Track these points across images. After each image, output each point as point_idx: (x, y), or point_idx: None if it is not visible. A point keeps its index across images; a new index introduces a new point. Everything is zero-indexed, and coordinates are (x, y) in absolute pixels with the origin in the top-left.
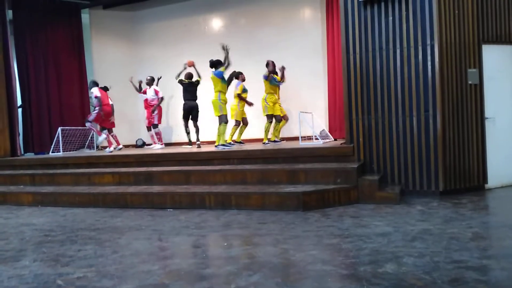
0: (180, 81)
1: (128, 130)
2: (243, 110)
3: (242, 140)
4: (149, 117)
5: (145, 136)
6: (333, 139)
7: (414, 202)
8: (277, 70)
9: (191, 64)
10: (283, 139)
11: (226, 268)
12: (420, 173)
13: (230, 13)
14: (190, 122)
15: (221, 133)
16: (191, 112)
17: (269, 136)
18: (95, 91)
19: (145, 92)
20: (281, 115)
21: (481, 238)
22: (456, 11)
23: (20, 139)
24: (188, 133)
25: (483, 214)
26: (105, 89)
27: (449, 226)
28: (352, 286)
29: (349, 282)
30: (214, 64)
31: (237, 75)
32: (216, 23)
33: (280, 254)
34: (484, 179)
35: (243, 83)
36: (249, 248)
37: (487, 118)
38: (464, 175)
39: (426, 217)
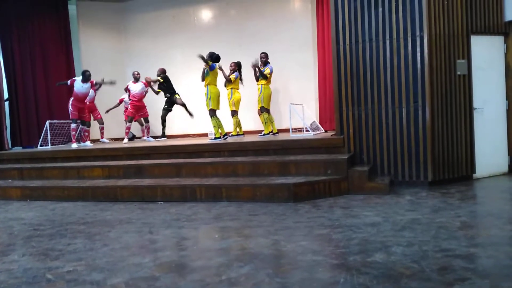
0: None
1: (118, 123)
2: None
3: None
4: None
5: (136, 129)
6: (323, 131)
7: (403, 192)
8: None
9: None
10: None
11: (217, 260)
12: (409, 163)
13: (220, 4)
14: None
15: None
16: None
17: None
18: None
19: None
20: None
21: (468, 227)
22: (445, 2)
23: (8, 133)
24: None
25: (470, 204)
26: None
27: (438, 216)
28: (342, 275)
29: (339, 271)
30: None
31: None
32: (206, 14)
33: (271, 245)
34: (472, 169)
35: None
36: (240, 240)
37: (476, 108)
38: (452, 165)
39: (415, 207)
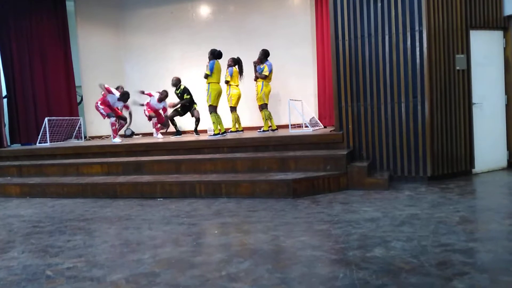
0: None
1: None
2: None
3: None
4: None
5: (134, 127)
6: (322, 127)
7: (403, 187)
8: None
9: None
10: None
11: (216, 255)
12: (409, 159)
13: None
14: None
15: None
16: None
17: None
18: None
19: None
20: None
21: (467, 222)
22: None
23: (6, 130)
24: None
25: (469, 199)
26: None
27: (437, 211)
28: (341, 270)
29: (339, 266)
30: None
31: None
32: (204, 10)
33: (270, 240)
34: (471, 164)
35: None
36: (240, 236)
37: (475, 103)
38: (451, 160)
39: (414, 202)
